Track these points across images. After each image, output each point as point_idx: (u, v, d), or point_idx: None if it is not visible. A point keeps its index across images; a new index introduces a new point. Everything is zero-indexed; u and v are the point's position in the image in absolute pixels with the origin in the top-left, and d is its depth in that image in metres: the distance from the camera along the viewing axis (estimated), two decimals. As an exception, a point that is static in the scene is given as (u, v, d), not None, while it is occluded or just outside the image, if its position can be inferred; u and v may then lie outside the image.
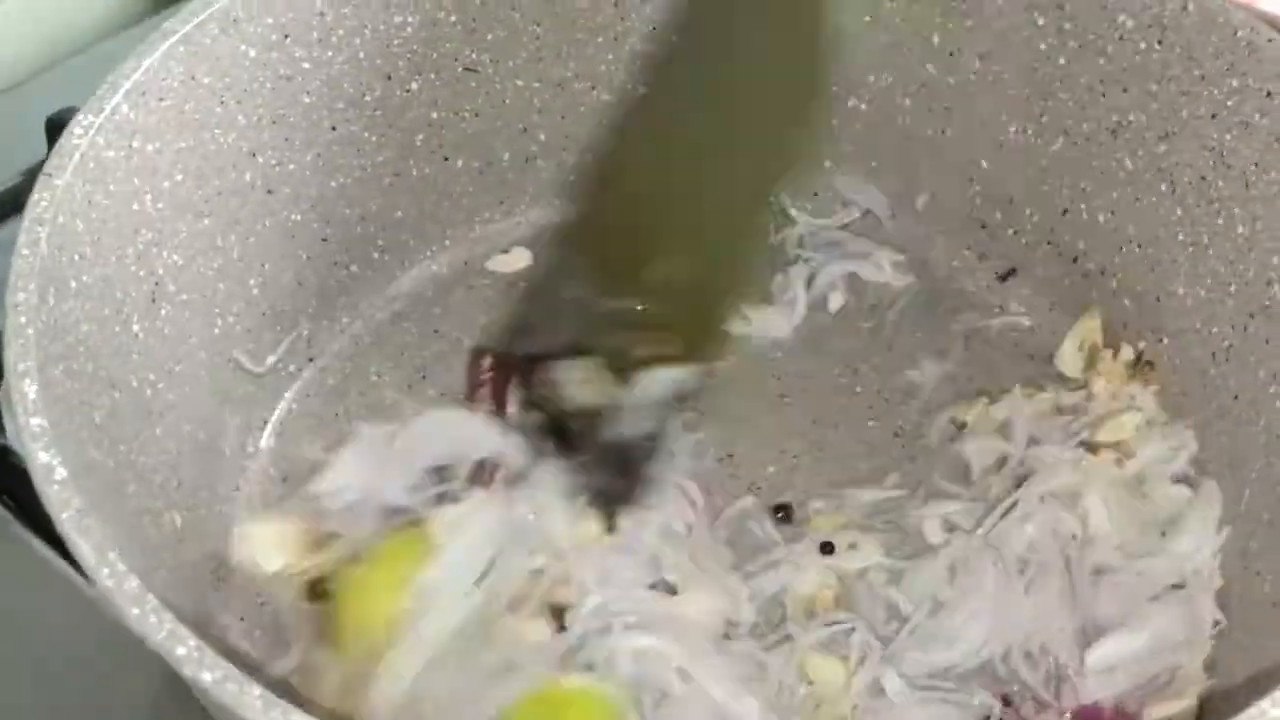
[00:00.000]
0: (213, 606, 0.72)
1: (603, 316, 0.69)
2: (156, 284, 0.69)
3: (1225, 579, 0.71)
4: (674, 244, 0.69)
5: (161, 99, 0.69)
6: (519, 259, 0.90)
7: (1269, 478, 0.70)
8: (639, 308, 0.70)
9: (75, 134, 0.63)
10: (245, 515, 0.75)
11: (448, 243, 0.90)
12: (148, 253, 0.68)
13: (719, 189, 0.68)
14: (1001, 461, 0.77)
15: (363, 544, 0.68)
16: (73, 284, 0.61)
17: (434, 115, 0.85)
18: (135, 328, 0.67)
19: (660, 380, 0.69)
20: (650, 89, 0.70)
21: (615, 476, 0.70)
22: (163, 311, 0.70)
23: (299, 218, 0.80)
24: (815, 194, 0.92)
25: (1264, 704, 0.47)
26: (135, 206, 0.67)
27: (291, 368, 0.82)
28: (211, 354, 0.75)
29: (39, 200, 0.61)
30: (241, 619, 0.73)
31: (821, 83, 0.67)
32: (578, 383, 0.70)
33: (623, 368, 0.68)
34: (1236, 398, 0.74)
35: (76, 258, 0.62)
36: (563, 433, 0.70)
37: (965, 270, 0.90)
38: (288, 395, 0.82)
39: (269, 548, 0.69)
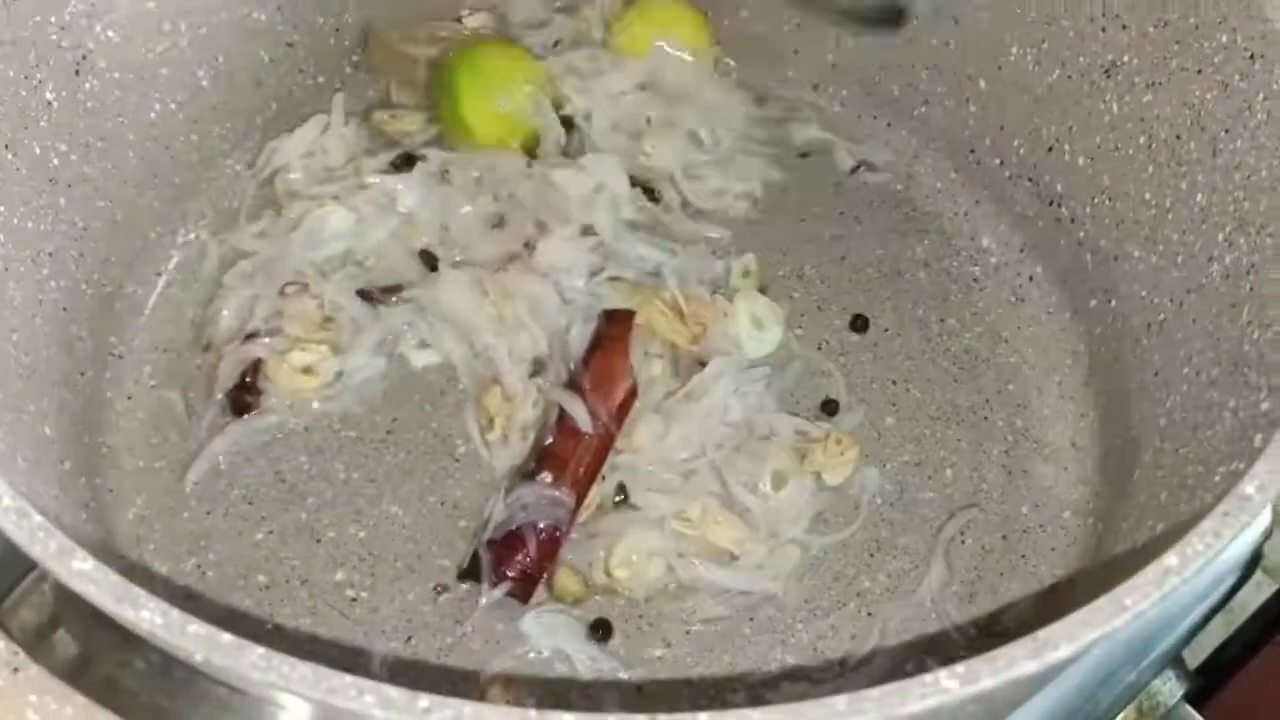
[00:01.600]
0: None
1: None
2: (83, 56, 0.70)
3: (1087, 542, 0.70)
4: None
5: None
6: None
7: (1157, 463, 0.66)
8: None
9: (4, -109, 0.63)
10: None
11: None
12: (75, 24, 0.69)
13: None
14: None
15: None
16: (-33, 39, 0.62)
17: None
18: (48, 94, 0.68)
19: None
20: None
21: None
22: (87, 85, 0.70)
23: (263, 17, 0.80)
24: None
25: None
26: (66, -25, 0.67)
27: (238, 167, 0.83)
28: (143, 136, 0.75)
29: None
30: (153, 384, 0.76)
31: None
32: None
33: None
34: (1156, 374, 0.70)
35: (-21, 14, 0.63)
36: None
37: (946, 194, 0.86)
38: (231, 192, 0.82)
39: None
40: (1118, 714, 0.68)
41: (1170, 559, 0.44)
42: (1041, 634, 0.43)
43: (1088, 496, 0.73)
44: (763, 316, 0.78)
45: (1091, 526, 0.72)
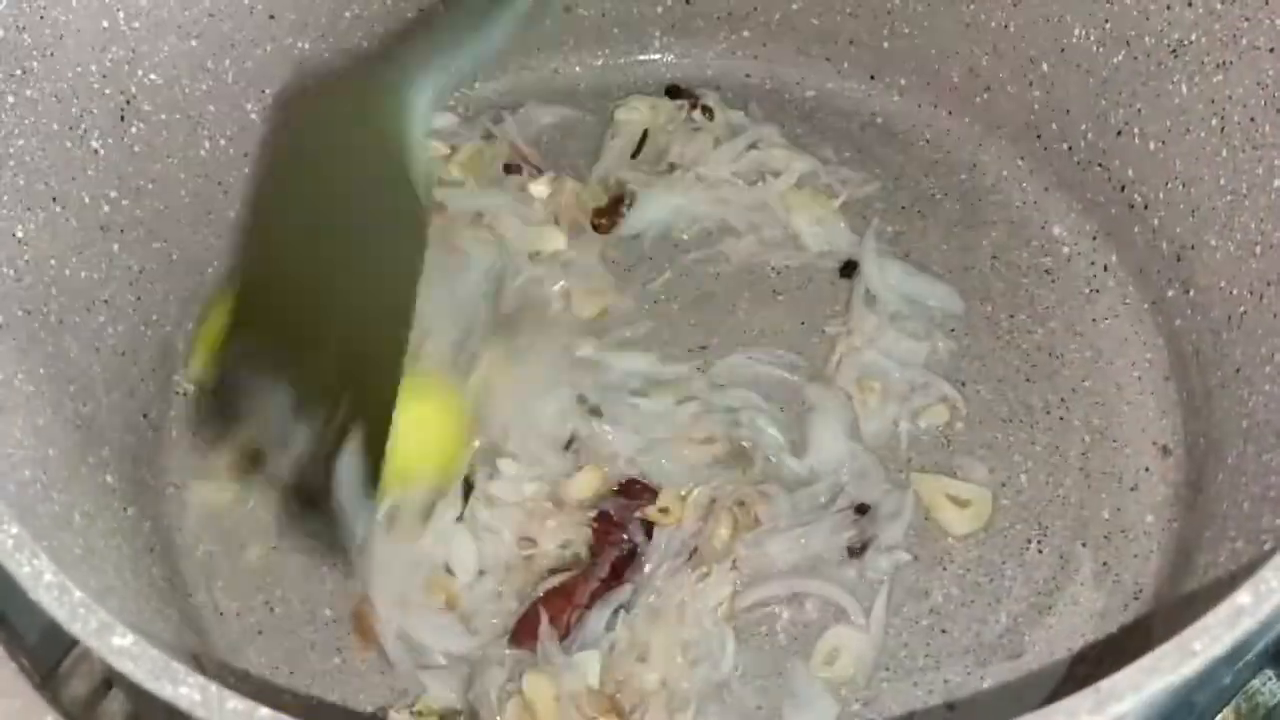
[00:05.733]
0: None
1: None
2: (128, 102, 0.70)
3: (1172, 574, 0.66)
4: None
5: (141, -85, 0.68)
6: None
7: (1239, 468, 0.63)
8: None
9: (33, -51, 0.63)
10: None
11: (476, 85, 0.88)
12: (117, 71, 0.69)
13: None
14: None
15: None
16: (10, 99, 0.62)
17: (463, -49, 0.82)
18: (94, 143, 0.68)
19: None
20: None
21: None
22: (133, 129, 0.71)
23: (307, 46, 0.80)
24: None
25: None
26: (104, 24, 0.68)
27: (292, 195, 0.83)
28: (194, 174, 0.76)
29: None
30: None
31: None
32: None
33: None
34: (1238, 371, 0.66)
35: (19, 72, 0.63)
36: None
37: (1013, 182, 0.83)
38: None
39: None
40: (1215, 716, 0.65)
41: (1243, 597, 0.42)
42: (1104, 685, 0.41)
43: (1170, 499, 0.70)
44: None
45: (1175, 532, 0.69)
